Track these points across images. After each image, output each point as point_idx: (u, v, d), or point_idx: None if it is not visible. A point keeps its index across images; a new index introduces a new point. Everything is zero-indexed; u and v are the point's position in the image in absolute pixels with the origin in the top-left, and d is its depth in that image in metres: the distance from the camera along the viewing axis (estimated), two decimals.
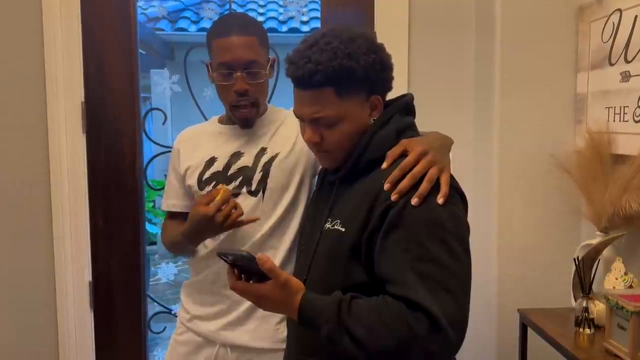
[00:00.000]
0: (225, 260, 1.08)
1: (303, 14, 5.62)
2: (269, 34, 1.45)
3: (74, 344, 2.11)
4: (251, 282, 1.07)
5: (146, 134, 2.18)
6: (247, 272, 1.07)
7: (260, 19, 5.44)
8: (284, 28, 5.42)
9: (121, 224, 2.12)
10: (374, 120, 1.15)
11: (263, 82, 1.40)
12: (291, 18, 5.61)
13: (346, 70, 1.08)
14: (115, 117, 2.09)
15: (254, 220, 1.36)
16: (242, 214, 1.32)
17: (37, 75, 2.00)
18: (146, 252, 2.22)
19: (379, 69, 1.12)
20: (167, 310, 2.37)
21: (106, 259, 2.13)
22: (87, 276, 2.11)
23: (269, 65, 1.41)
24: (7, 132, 2.02)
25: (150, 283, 4.65)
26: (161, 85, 2.78)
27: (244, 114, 1.40)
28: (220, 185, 1.36)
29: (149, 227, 2.66)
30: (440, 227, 1.02)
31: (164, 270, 3.70)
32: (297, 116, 1.16)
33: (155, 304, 2.46)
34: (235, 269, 1.08)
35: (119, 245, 2.13)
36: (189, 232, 1.37)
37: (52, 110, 2.02)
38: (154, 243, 4.91)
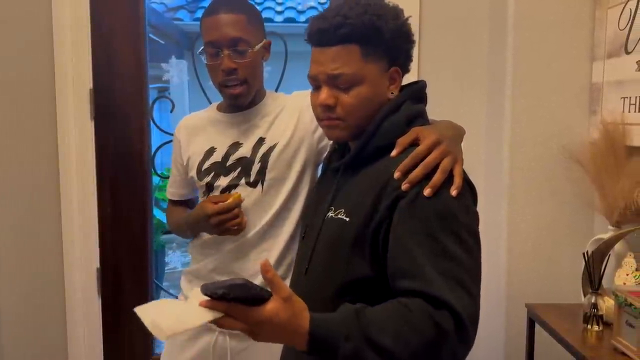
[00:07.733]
0: (212, 297, 0.87)
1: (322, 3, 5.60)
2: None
3: (82, 329, 2.13)
4: None
5: (154, 122, 2.18)
6: (239, 302, 0.87)
7: (278, 9, 5.42)
8: (302, 18, 5.40)
9: (129, 211, 2.14)
10: (392, 94, 1.11)
11: (251, 60, 1.35)
12: (311, 7, 5.59)
13: (374, 29, 1.05)
14: (123, 105, 2.09)
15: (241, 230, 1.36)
16: (242, 227, 1.35)
17: (46, 62, 2.01)
18: (154, 239, 2.23)
19: (404, 37, 1.10)
20: (174, 298, 2.38)
21: (114, 246, 2.14)
22: (95, 263, 2.13)
23: (260, 45, 1.37)
24: (16, 118, 2.04)
25: (166, 271, 4.70)
26: (179, 74, 2.78)
27: (233, 92, 1.36)
28: (235, 192, 1.36)
29: (163, 217, 2.67)
30: (454, 220, 0.98)
31: (172, 258, 3.72)
32: (313, 78, 1.10)
33: (165, 291, 2.47)
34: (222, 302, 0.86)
35: (127, 232, 2.14)
36: (190, 222, 1.43)
37: (61, 96, 2.03)
38: (170, 232, 4.91)
